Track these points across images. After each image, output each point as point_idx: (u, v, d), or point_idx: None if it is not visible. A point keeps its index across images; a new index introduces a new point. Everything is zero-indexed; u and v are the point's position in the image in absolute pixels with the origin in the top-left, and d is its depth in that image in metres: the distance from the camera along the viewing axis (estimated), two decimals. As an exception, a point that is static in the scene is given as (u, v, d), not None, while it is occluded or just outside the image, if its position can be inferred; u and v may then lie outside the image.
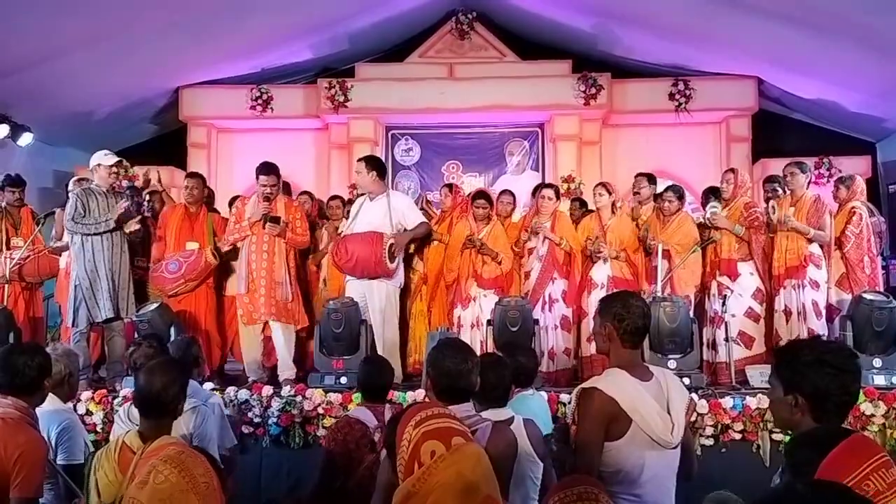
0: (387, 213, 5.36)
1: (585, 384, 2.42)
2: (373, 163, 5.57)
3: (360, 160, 5.65)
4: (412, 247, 5.76)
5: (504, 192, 6.50)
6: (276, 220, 5.26)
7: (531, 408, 3.22)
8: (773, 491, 1.36)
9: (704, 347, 5.43)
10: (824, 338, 4.97)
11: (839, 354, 1.86)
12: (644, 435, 2.31)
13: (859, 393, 2.38)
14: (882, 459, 1.66)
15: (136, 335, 5.19)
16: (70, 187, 6.05)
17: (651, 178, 6.21)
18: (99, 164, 5.24)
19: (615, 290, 2.76)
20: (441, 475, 1.73)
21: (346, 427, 3.20)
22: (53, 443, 2.99)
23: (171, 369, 2.57)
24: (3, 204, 6.07)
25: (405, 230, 5.40)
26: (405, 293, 5.73)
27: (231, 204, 6.21)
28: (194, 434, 3.22)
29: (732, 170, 5.85)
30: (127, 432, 2.54)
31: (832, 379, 1.81)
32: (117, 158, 5.29)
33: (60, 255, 5.85)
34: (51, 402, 3.05)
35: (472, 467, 1.76)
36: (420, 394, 4.66)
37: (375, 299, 5.33)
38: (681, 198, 5.72)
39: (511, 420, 2.76)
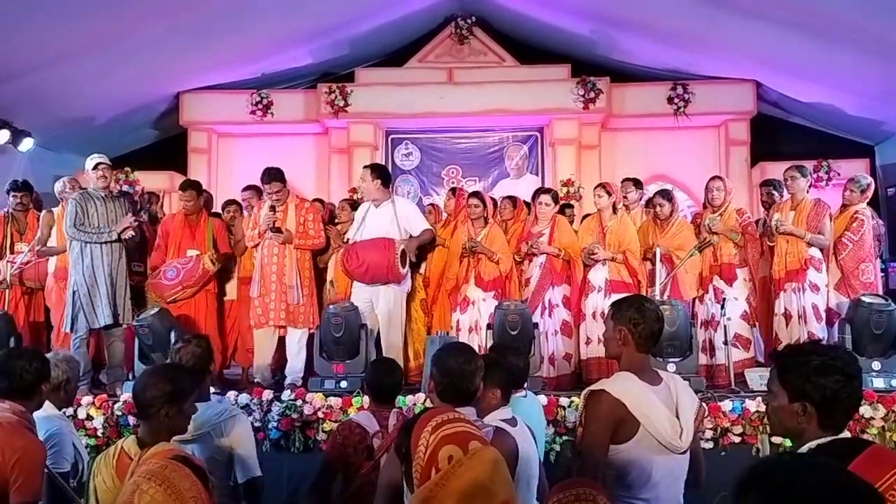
0: (393, 218, 5.42)
1: (593, 386, 2.40)
2: (377, 170, 5.61)
3: (365, 168, 5.69)
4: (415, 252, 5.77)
5: (506, 197, 6.51)
6: (277, 230, 5.32)
7: (525, 410, 3.20)
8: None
9: (700, 351, 5.43)
10: (823, 341, 4.99)
11: (847, 359, 1.82)
12: (652, 439, 2.30)
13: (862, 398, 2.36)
14: None
15: (136, 340, 5.21)
16: (58, 189, 6.02)
17: (637, 183, 6.23)
18: (89, 169, 5.24)
19: (627, 295, 2.72)
20: (458, 480, 1.71)
21: (346, 430, 3.16)
22: None
23: (156, 373, 2.48)
24: (10, 209, 6.07)
25: (411, 237, 5.45)
26: (408, 297, 5.73)
27: (224, 208, 6.27)
28: (235, 448, 3.07)
29: (720, 178, 5.83)
30: (126, 438, 2.53)
31: (843, 385, 1.77)
32: (99, 160, 5.26)
33: (48, 259, 5.84)
34: (43, 408, 3.02)
35: (490, 472, 1.74)
36: (420, 398, 4.68)
37: (382, 303, 5.38)
38: (671, 200, 5.73)
39: (513, 421, 2.75)
